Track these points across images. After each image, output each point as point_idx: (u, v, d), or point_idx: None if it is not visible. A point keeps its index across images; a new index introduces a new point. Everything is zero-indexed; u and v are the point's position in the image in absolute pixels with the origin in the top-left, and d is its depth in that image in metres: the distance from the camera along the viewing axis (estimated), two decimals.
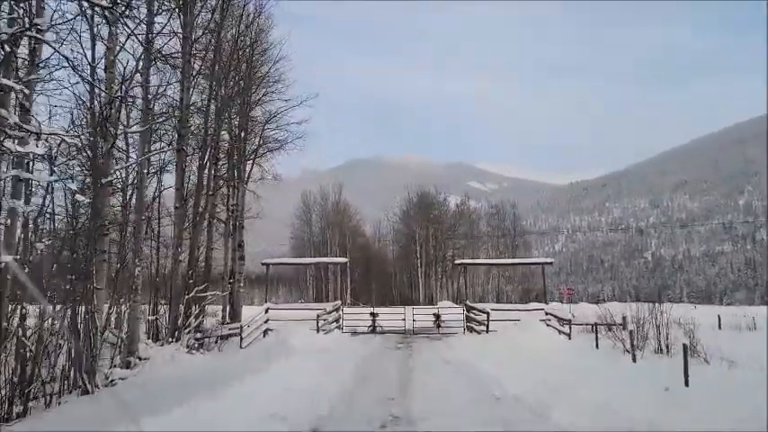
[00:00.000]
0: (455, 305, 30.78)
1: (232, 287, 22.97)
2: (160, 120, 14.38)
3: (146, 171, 13.79)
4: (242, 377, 9.29)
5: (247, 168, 23.63)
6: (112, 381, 11.36)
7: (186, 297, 15.70)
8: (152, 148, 16.46)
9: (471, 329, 18.61)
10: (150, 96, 13.71)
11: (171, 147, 15.13)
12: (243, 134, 22.76)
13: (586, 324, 18.43)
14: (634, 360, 10.81)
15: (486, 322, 16.91)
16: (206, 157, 16.97)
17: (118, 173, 14.54)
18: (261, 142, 23.99)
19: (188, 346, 14.94)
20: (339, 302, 20.54)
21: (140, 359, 13.44)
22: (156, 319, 16.05)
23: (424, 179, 79.07)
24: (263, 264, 20.90)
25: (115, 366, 12.06)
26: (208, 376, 10.80)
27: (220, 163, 20.08)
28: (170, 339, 15.16)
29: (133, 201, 15.88)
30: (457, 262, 22.41)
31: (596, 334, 13.53)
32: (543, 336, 14.15)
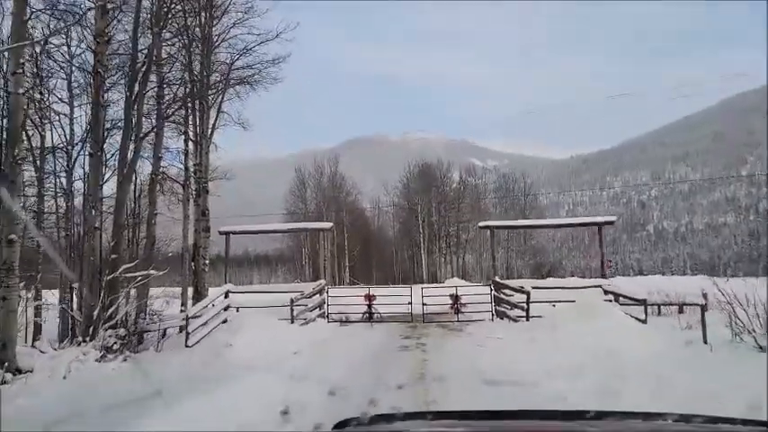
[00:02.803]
0: (469, 283, 26.39)
1: (196, 266, 18.55)
2: None
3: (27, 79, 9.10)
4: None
5: (211, 120, 18.99)
6: None
7: (107, 278, 11.20)
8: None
9: (502, 315, 14.07)
10: None
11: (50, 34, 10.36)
12: (205, 72, 18.08)
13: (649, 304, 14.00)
14: None
15: (525, 305, 12.41)
16: (135, 86, 12.23)
17: None
18: (226, 86, 19.28)
19: (105, 348, 10.48)
20: (323, 281, 15.77)
21: (18, 372, 9.01)
22: (67, 309, 11.59)
23: (424, 157, 74.40)
24: (220, 232, 16.26)
25: None
26: (89, 410, 6.37)
27: (168, 103, 15.36)
28: (81, 339, 10.72)
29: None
30: (481, 224, 17.75)
31: (703, 323, 9.06)
32: (615, 324, 9.60)
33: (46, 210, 16.15)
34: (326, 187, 58.40)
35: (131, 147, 12.24)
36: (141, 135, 12.75)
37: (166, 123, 17.26)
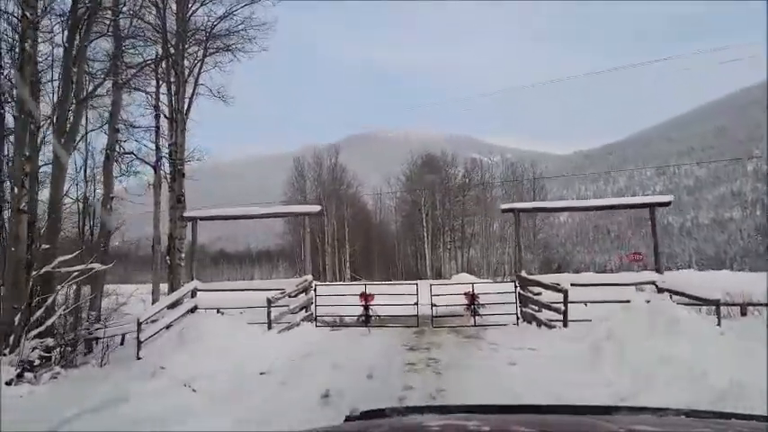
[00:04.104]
0: (478, 279, 24.07)
1: (171, 260, 16.30)
2: None
3: None
4: None
5: (188, 93, 16.70)
6: None
7: (33, 274, 8.87)
8: None
9: (530, 318, 11.58)
10: None
11: None
12: (179, 40, 15.76)
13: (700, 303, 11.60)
14: None
15: (561, 307, 9.97)
16: (77, 34, 9.85)
17: None
18: (205, 54, 16.99)
19: (26, 364, 8.15)
20: (309, 277, 13.14)
21: None
22: None
23: (427, 151, 71.97)
24: (185, 218, 13.76)
25: None
26: None
27: (126, 67, 12.98)
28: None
29: None
30: (504, 207, 15.28)
31: None
32: (705, 337, 7.01)
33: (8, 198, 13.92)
34: (326, 180, 56.08)
35: (71, 111, 9.89)
36: (83, 96, 10.38)
37: (135, 94, 14.99)
